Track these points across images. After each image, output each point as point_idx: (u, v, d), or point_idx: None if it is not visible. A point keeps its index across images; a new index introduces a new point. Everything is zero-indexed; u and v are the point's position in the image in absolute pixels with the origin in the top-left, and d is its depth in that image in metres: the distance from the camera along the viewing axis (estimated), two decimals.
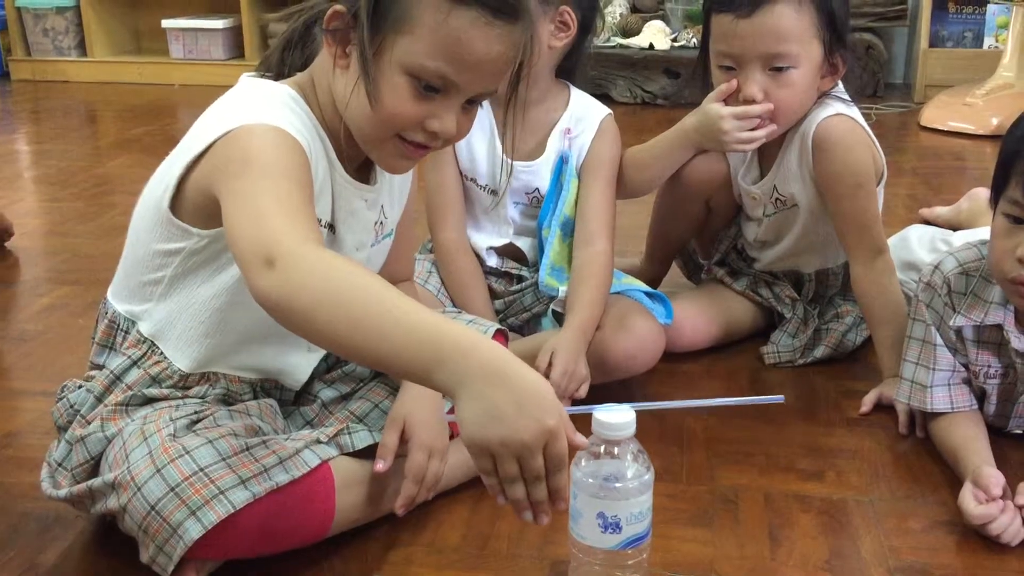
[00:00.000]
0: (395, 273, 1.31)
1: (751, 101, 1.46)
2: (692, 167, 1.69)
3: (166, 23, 4.53)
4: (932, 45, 4.01)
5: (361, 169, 1.19)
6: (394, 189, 1.27)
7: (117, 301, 1.19)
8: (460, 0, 1.00)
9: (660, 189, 1.77)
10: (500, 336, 1.33)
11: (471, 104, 1.09)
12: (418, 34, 1.02)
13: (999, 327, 1.29)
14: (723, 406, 1.06)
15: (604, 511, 1.01)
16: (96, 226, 2.44)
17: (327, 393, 1.27)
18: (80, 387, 1.17)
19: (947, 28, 4.09)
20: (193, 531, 1.01)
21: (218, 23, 4.47)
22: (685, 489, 1.29)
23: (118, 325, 1.18)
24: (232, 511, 1.02)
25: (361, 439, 1.18)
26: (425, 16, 1.01)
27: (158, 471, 1.03)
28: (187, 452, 1.04)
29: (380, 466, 1.15)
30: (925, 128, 3.47)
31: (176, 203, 1.09)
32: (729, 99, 1.49)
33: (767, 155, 1.61)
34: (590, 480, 1.02)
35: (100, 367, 1.18)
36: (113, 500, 1.06)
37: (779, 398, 1.07)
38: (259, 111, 1.05)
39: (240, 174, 0.98)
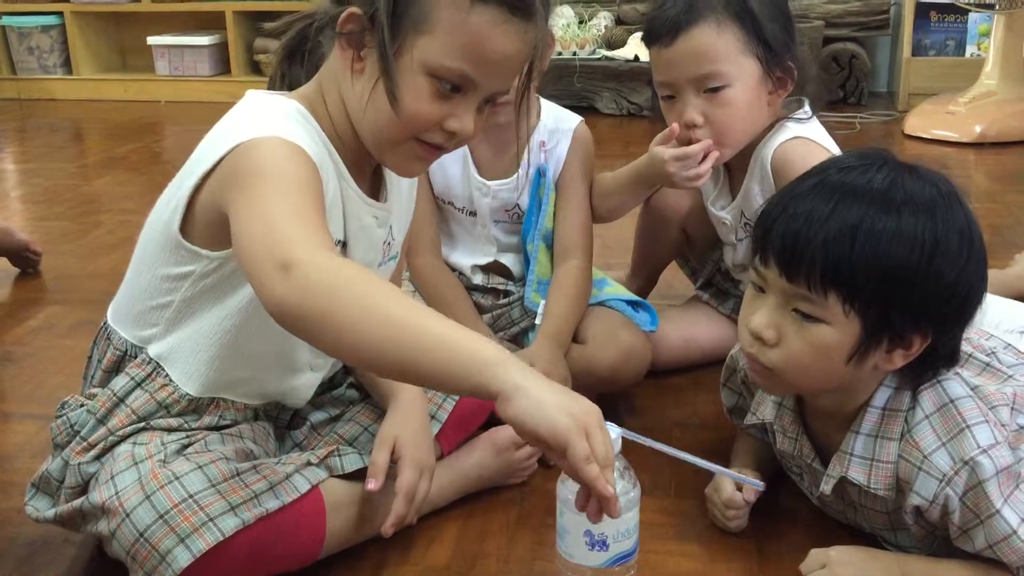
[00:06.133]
0: None
1: (692, 125, 1.46)
2: (662, 198, 1.72)
3: (151, 40, 4.53)
4: (915, 54, 4.03)
5: (370, 185, 1.18)
6: (402, 210, 1.26)
7: (122, 328, 1.17)
8: None
9: (639, 214, 1.79)
10: None
11: (485, 104, 1.10)
12: (438, 34, 1.02)
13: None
14: (705, 468, 1.09)
15: (591, 529, 1.01)
16: (83, 245, 2.44)
17: (316, 416, 1.27)
18: (81, 406, 1.16)
19: (929, 37, 4.12)
20: (182, 559, 1.00)
21: (203, 39, 4.48)
22: (673, 504, 1.30)
23: (126, 352, 1.16)
24: (221, 539, 1.01)
25: (351, 462, 1.18)
26: (445, 16, 1.01)
27: (147, 498, 1.02)
28: (177, 478, 1.04)
29: (372, 485, 1.14)
30: (909, 136, 3.49)
31: (185, 225, 1.08)
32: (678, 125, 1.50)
33: (735, 180, 1.61)
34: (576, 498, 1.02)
35: (102, 388, 1.17)
36: (103, 524, 1.05)
37: (760, 484, 1.10)
38: (267, 125, 1.03)
39: (250, 186, 0.97)
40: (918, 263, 0.98)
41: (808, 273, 1.00)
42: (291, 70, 1.16)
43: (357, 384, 1.31)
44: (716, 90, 1.45)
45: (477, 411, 1.32)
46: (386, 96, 1.03)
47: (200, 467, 1.05)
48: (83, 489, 1.10)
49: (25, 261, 2.26)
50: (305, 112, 1.09)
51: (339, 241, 1.12)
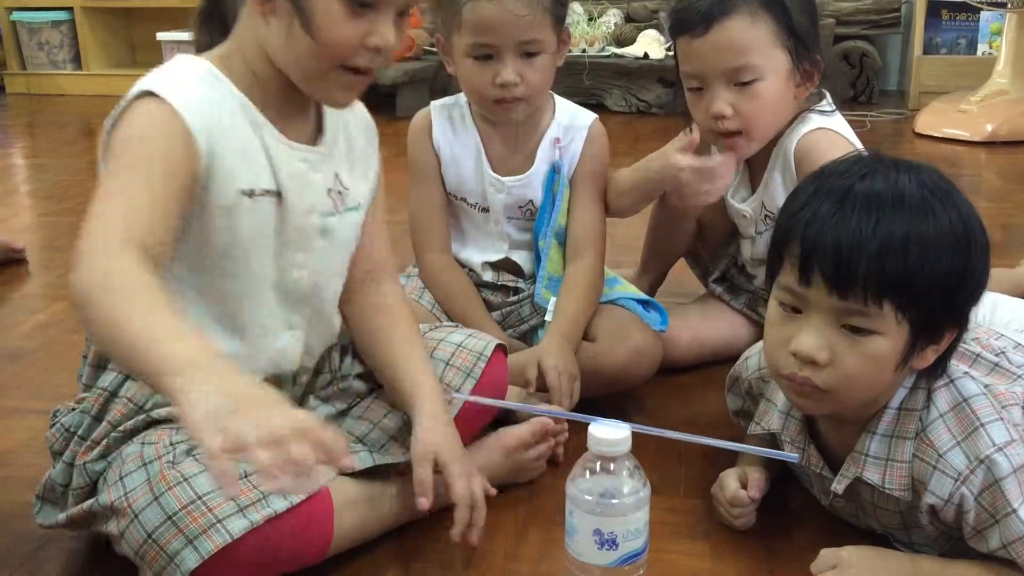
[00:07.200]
0: (376, 268, 1.29)
1: (720, 117, 1.46)
2: None
3: (161, 35, 4.53)
4: (926, 52, 4.02)
5: (306, 132, 1.17)
6: (355, 161, 1.23)
7: None
8: None
9: (653, 207, 1.78)
10: (499, 351, 1.33)
11: (399, 17, 1.09)
12: None
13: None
14: (722, 447, 1.06)
15: (600, 527, 1.01)
16: None
17: (323, 410, 1.26)
18: (73, 410, 1.16)
19: (941, 35, 4.10)
20: (190, 561, 1.00)
21: None
22: (682, 503, 1.29)
23: None
24: (230, 540, 1.01)
25: (362, 460, 1.17)
26: None
27: (156, 499, 1.02)
28: (185, 479, 1.03)
29: (425, 503, 1.14)
30: (920, 135, 3.48)
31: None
32: (702, 116, 1.48)
33: (756, 172, 1.60)
34: (586, 496, 1.01)
35: (91, 388, 1.17)
36: (112, 525, 1.05)
37: (794, 457, 1.08)
38: (166, 82, 1.06)
39: (115, 155, 1.02)
40: (962, 261, 1.00)
41: (864, 287, 0.99)
42: (213, 36, 1.17)
43: (364, 375, 1.30)
44: (747, 83, 1.44)
45: (483, 411, 1.31)
46: (303, 30, 1.04)
47: (208, 468, 1.05)
48: (91, 489, 1.10)
49: (12, 260, 2.28)
50: (215, 71, 1.10)
51: (268, 190, 1.11)
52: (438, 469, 1.15)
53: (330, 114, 1.20)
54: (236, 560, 1.02)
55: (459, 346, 1.31)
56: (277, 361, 1.21)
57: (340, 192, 1.20)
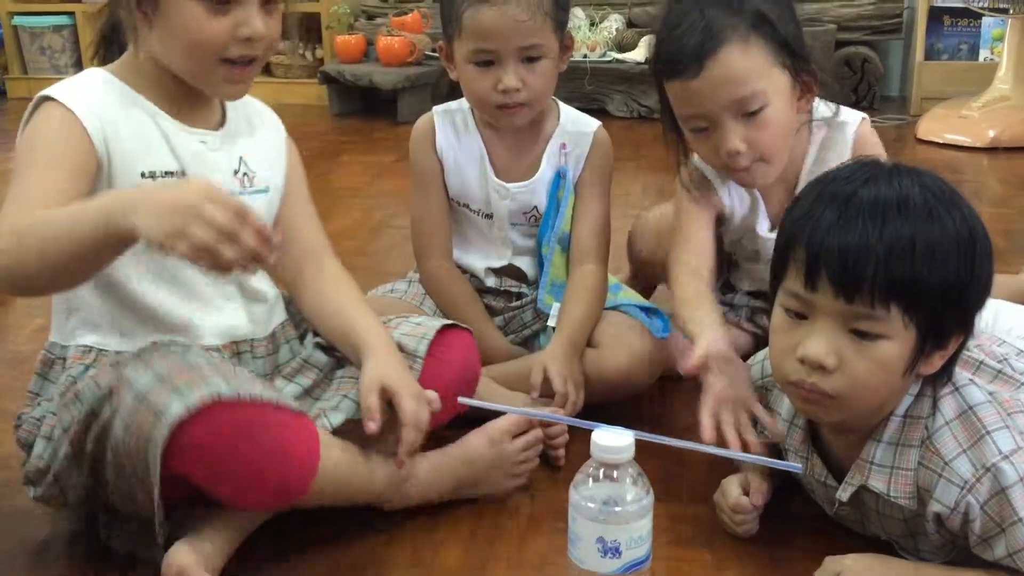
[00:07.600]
0: (313, 249, 1.35)
1: (735, 154, 1.38)
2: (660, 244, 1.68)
3: None
4: (928, 58, 4.02)
5: (207, 118, 1.26)
6: (261, 150, 1.31)
7: (53, 333, 1.23)
8: None
9: (632, 237, 1.82)
10: (464, 333, 1.35)
11: (269, 4, 1.17)
12: None
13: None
14: (727, 457, 1.06)
15: (603, 535, 1.00)
16: None
17: (290, 390, 1.27)
18: (39, 405, 1.18)
19: (942, 41, 4.10)
20: (175, 408, 1.02)
21: None
22: (685, 510, 1.29)
23: (54, 355, 1.21)
24: (216, 398, 1.03)
25: (338, 418, 1.21)
26: None
27: (148, 366, 1.06)
28: (179, 353, 1.09)
29: (373, 427, 1.17)
30: (921, 141, 3.48)
31: None
32: (712, 156, 1.43)
33: (776, 200, 1.53)
34: (589, 504, 1.01)
35: (37, 394, 1.20)
36: (107, 409, 1.07)
37: (797, 467, 1.09)
38: (64, 88, 1.16)
39: (22, 152, 1.14)
40: (967, 265, 1.00)
41: (871, 290, 0.99)
42: (110, 51, 1.26)
43: (324, 346, 1.32)
44: (755, 112, 1.36)
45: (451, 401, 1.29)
46: (175, 35, 1.13)
47: (204, 357, 1.11)
48: (89, 415, 1.10)
49: None
50: (109, 76, 1.20)
51: (171, 171, 1.19)
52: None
53: (232, 108, 1.28)
54: (220, 431, 1.04)
55: (418, 324, 1.34)
56: (227, 332, 1.25)
57: (247, 174, 1.27)
